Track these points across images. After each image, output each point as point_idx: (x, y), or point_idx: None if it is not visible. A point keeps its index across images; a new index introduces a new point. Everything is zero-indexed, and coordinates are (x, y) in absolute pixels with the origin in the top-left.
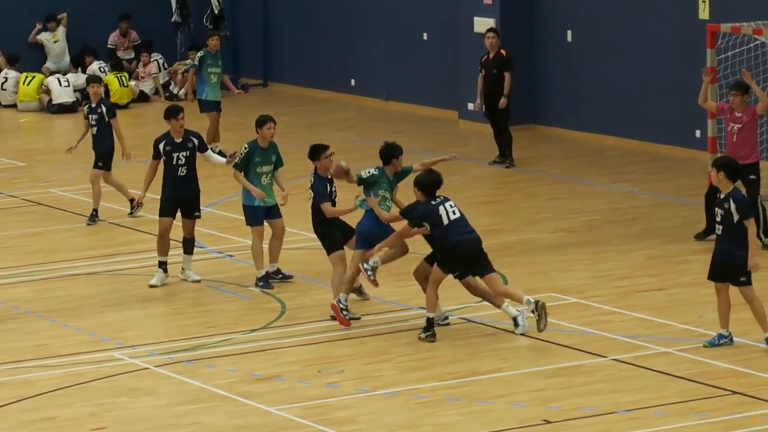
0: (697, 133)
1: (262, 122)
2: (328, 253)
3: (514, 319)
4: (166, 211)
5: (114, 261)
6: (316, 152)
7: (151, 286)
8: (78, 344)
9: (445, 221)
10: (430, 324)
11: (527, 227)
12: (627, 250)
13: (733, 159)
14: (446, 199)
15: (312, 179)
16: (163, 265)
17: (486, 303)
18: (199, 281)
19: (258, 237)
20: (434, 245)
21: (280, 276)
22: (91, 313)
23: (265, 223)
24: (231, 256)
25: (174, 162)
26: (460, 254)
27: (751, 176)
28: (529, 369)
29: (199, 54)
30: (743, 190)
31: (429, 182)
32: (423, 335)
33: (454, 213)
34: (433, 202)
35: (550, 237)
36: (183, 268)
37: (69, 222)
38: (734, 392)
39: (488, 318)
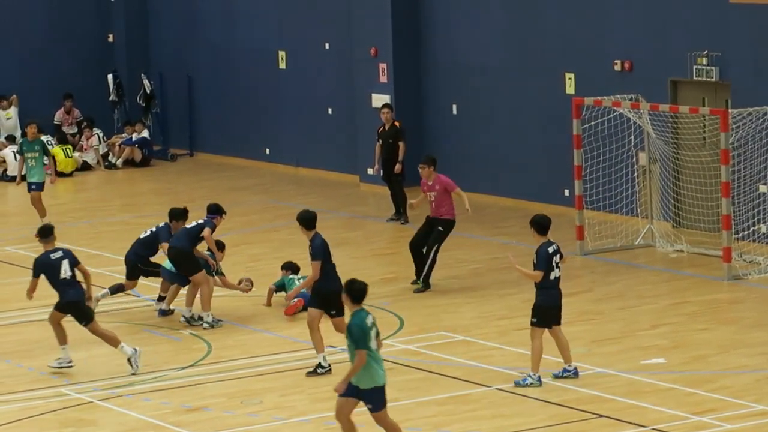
0: (566, 192)
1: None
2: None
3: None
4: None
5: None
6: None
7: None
8: (30, 382)
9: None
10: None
11: None
12: (505, 294)
13: (542, 216)
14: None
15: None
16: None
17: (385, 341)
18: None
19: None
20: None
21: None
22: (42, 355)
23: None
24: None
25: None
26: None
27: (440, 228)
28: (423, 398)
29: (19, 141)
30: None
31: (309, 217)
32: (319, 371)
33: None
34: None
35: (439, 283)
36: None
37: (22, 275)
38: (600, 415)
39: (386, 354)
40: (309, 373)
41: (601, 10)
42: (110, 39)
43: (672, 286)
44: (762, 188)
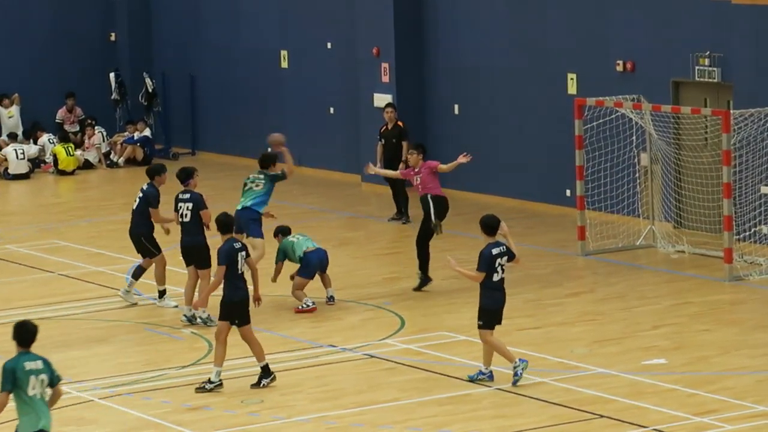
0: (567, 192)
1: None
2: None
3: None
4: None
5: (61, 308)
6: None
7: None
8: None
9: (239, 269)
10: (265, 372)
11: None
12: (507, 294)
13: (491, 217)
14: (243, 248)
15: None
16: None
17: (386, 341)
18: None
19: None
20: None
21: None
22: (42, 353)
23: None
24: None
25: None
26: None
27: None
28: (423, 398)
29: None
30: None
31: (224, 221)
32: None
33: (242, 267)
34: (235, 245)
35: (441, 283)
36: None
37: (23, 274)
38: (601, 416)
39: (388, 354)
40: (198, 389)
41: (603, 11)
42: (112, 38)
43: (673, 287)
44: (763, 189)
